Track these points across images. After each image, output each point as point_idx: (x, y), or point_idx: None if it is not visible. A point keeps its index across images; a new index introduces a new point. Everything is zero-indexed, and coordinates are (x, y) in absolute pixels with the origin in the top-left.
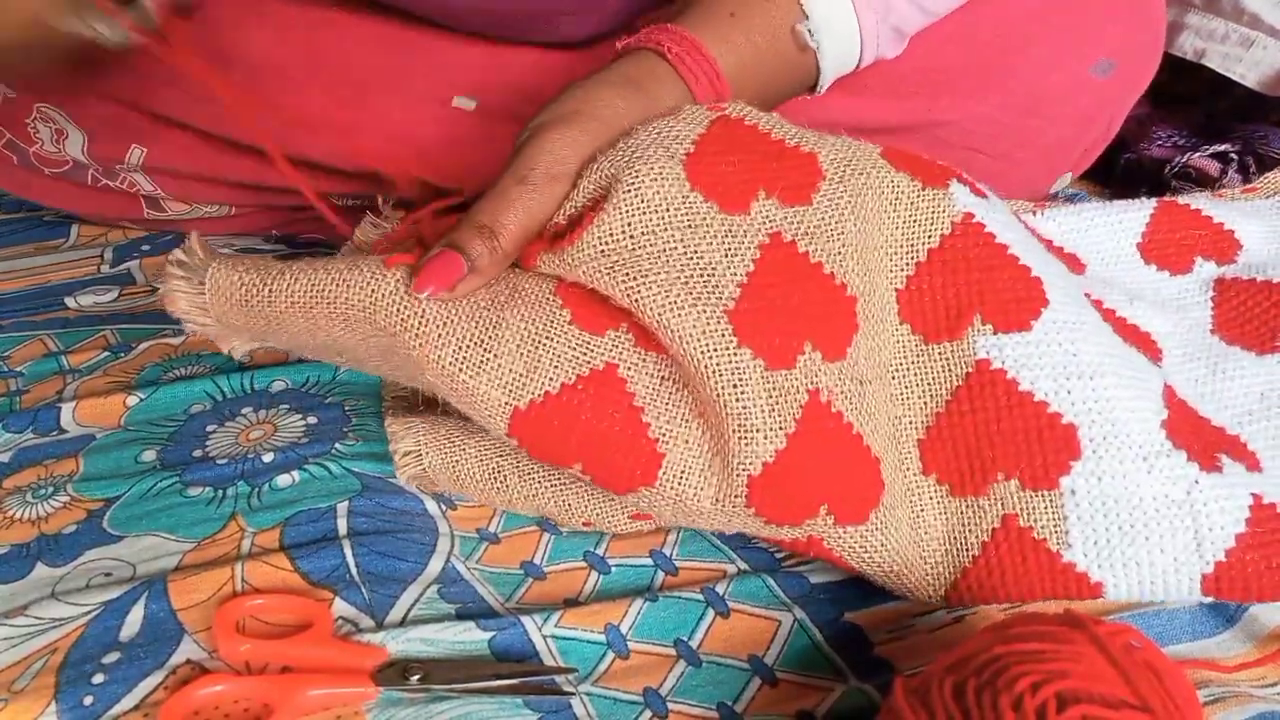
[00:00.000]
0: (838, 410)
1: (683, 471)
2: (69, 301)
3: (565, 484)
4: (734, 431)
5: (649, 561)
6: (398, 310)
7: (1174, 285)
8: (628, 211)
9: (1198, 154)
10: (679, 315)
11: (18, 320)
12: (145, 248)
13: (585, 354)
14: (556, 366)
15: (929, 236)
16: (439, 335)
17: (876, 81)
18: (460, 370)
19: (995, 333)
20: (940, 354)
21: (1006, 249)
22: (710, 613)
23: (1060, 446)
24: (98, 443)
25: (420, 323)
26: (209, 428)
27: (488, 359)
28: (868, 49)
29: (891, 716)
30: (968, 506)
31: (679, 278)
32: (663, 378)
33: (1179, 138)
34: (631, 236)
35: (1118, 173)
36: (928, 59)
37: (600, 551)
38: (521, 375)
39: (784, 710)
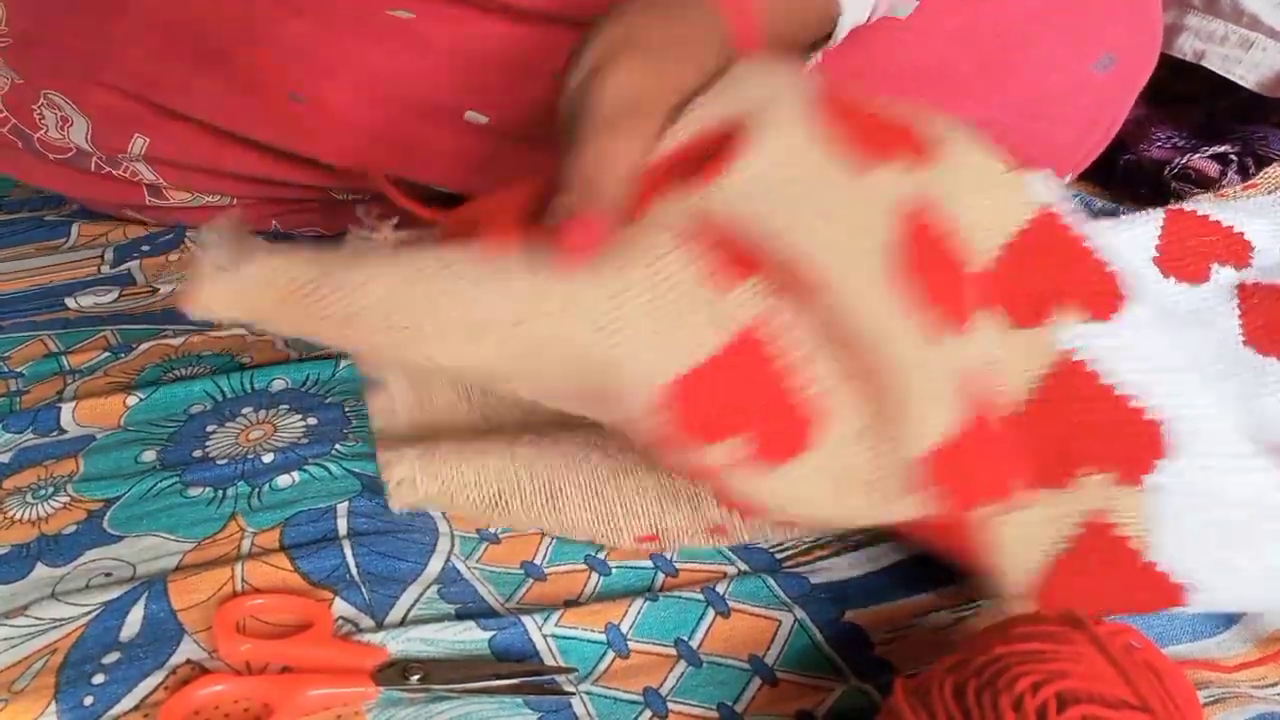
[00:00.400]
0: (985, 391)
1: (842, 435)
2: (69, 302)
3: (569, 505)
4: (898, 407)
5: (649, 563)
6: (521, 291)
7: (1195, 296)
8: (773, 154)
9: (1197, 155)
10: (848, 279)
11: (18, 321)
12: (145, 248)
13: (728, 312)
14: (701, 330)
15: (1016, 219)
16: (562, 308)
17: (883, 85)
18: (594, 345)
19: (1080, 322)
20: (1023, 341)
21: (1083, 240)
22: (710, 612)
23: (1145, 443)
24: (98, 443)
25: (542, 299)
26: (209, 428)
27: (622, 329)
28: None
29: (892, 717)
30: (1051, 500)
31: (843, 239)
32: (812, 330)
33: (1179, 139)
34: (787, 181)
35: (1117, 174)
36: (928, 58)
37: (601, 555)
38: (666, 345)
39: (784, 710)
